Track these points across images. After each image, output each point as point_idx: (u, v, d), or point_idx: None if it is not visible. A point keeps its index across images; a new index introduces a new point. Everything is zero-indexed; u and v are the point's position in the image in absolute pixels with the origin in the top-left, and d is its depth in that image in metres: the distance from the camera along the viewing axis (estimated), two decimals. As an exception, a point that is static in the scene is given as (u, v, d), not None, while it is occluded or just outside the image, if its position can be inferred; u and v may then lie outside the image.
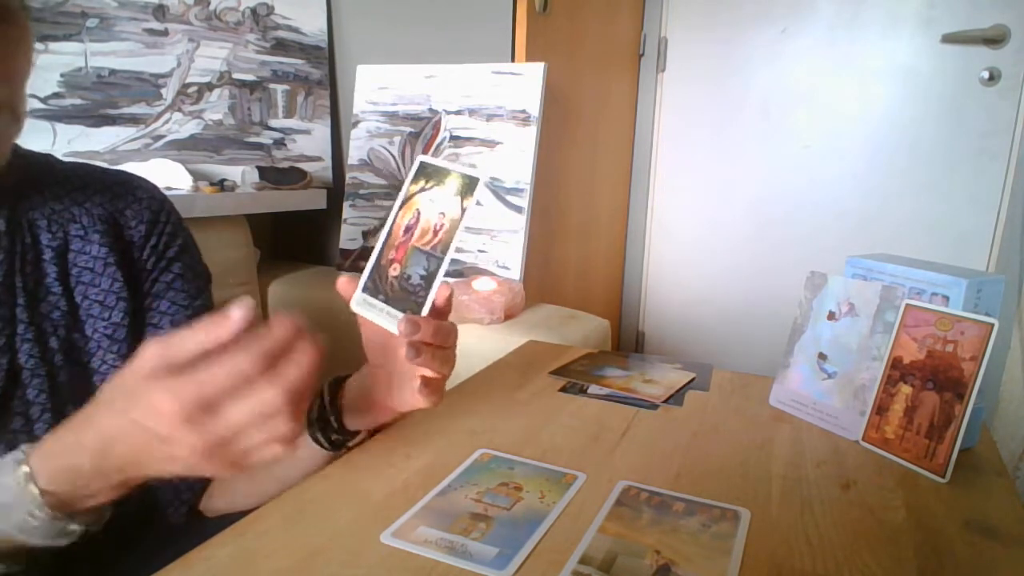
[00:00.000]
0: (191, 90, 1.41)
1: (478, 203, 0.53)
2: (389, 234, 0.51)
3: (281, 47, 1.54)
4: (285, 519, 0.50)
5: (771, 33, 1.91)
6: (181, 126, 1.40)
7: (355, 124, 1.55)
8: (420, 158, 0.51)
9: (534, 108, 1.34)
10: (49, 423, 0.57)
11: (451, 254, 0.47)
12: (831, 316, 0.71)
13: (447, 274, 0.47)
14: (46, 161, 0.64)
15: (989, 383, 1.26)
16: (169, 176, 1.30)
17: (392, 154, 1.50)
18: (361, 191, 1.54)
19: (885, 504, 0.54)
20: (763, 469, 0.60)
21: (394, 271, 0.50)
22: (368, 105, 1.54)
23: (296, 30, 1.57)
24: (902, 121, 1.79)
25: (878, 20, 1.77)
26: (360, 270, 0.52)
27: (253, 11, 1.49)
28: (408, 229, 0.50)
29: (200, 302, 0.69)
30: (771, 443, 0.66)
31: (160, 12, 1.35)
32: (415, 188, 0.50)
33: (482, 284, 1.24)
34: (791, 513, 0.53)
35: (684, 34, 2.05)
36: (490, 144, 1.38)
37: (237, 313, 0.40)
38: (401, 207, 0.51)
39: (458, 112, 1.42)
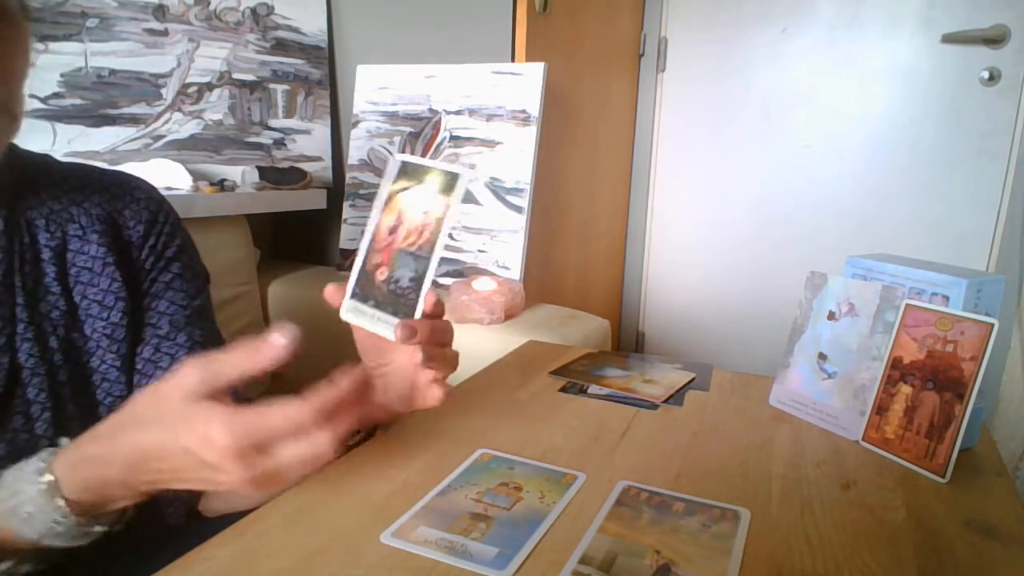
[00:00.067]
0: (191, 90, 1.41)
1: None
2: (373, 238, 0.49)
3: (281, 47, 1.54)
4: (285, 519, 0.50)
5: (771, 33, 1.91)
6: (181, 126, 1.40)
7: (355, 124, 1.55)
8: (399, 157, 0.49)
9: (534, 108, 1.34)
10: (49, 422, 0.57)
11: (439, 253, 0.46)
12: (831, 316, 0.71)
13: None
14: (44, 161, 0.64)
15: (989, 383, 1.26)
16: (169, 176, 1.30)
17: (392, 154, 1.50)
18: (361, 191, 1.54)
19: (885, 504, 0.54)
20: (763, 469, 0.60)
21: (381, 275, 0.48)
22: (368, 105, 1.54)
23: (296, 30, 1.56)
24: (902, 121, 1.79)
25: (878, 20, 1.77)
26: None
27: (253, 11, 1.49)
28: (392, 231, 0.48)
29: (199, 302, 0.69)
30: (771, 443, 0.66)
31: (160, 12, 1.35)
32: (395, 188, 0.48)
33: (482, 284, 1.24)
34: (791, 513, 0.53)
35: (684, 34, 2.05)
36: (490, 144, 1.38)
37: (278, 339, 0.41)
38: (382, 209, 0.49)
39: (458, 112, 1.42)
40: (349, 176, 1.56)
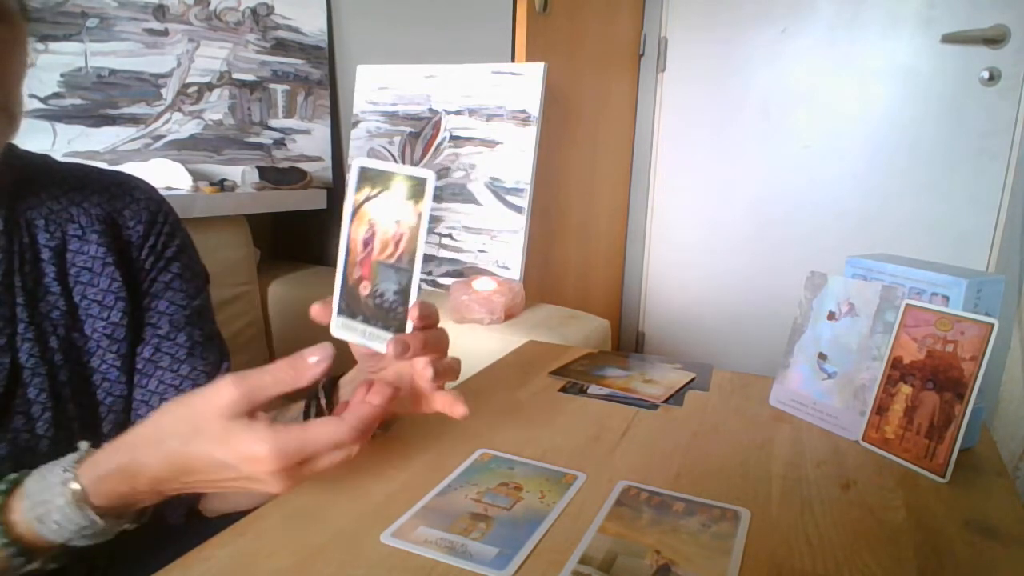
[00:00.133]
0: (191, 90, 1.41)
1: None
2: (348, 251, 0.47)
3: (281, 47, 1.54)
4: (285, 519, 0.50)
5: (771, 33, 1.91)
6: (181, 126, 1.40)
7: (355, 124, 1.55)
8: (358, 161, 0.46)
9: (534, 108, 1.34)
10: (50, 422, 0.57)
11: (419, 262, 0.44)
12: (831, 316, 0.71)
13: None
14: (43, 161, 0.64)
15: (989, 383, 1.26)
16: (169, 176, 1.30)
17: (392, 154, 1.50)
18: (361, 191, 1.54)
19: (885, 504, 0.54)
20: (763, 469, 0.60)
21: (365, 290, 0.46)
22: (368, 105, 1.54)
23: (296, 30, 1.57)
24: (902, 121, 1.79)
25: (878, 20, 1.77)
26: None
27: (253, 11, 1.49)
28: (366, 243, 0.46)
29: (198, 302, 0.69)
30: (771, 443, 0.66)
31: (160, 12, 1.35)
32: (360, 197, 0.46)
33: (482, 284, 1.24)
34: (791, 513, 0.53)
35: (684, 34, 2.05)
36: (490, 144, 1.38)
37: (314, 358, 0.43)
38: (352, 220, 0.46)
39: (458, 112, 1.42)
40: (350, 176, 1.56)
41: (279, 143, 1.57)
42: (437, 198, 1.43)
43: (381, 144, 1.52)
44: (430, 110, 1.46)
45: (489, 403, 0.74)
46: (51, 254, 0.59)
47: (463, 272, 1.39)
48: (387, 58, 1.55)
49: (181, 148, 1.41)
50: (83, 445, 0.47)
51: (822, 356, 0.71)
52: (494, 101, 1.38)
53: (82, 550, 0.47)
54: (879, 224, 1.85)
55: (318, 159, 1.64)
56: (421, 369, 0.47)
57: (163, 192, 0.70)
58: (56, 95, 1.24)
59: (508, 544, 0.47)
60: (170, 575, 0.44)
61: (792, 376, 0.74)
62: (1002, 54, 1.65)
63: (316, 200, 1.55)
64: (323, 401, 0.60)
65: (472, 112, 1.41)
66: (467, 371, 0.81)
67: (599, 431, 0.67)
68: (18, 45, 0.52)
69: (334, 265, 0.48)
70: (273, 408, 0.45)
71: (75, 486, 0.44)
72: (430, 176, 0.43)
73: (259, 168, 1.44)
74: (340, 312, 0.48)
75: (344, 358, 0.60)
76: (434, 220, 1.43)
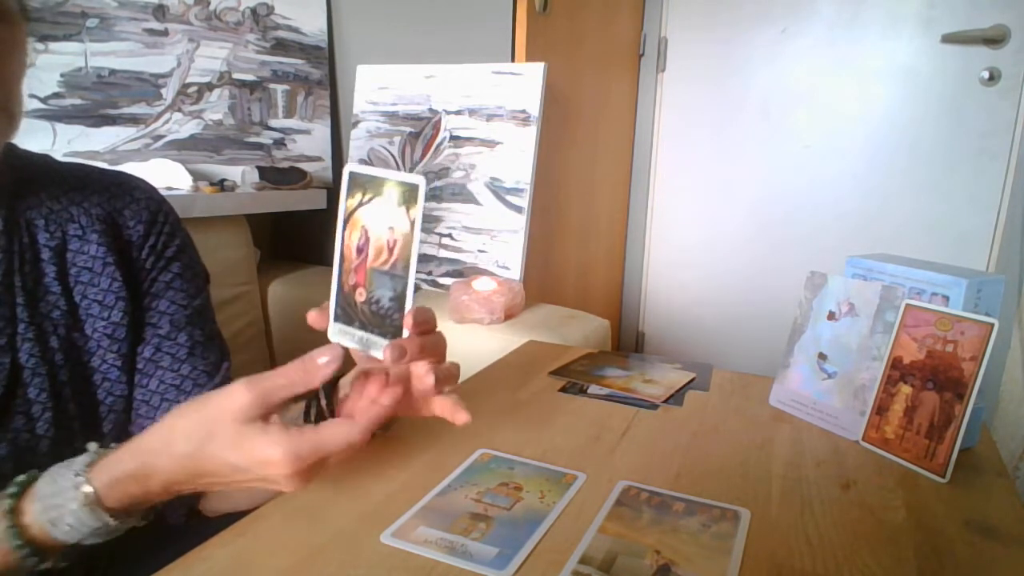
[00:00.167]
0: (191, 90, 1.41)
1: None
2: (342, 257, 0.47)
3: (281, 47, 1.54)
4: (285, 519, 0.50)
5: (771, 33, 1.91)
6: (181, 126, 1.40)
7: (355, 124, 1.55)
8: (349, 167, 0.46)
9: (534, 108, 1.34)
10: (50, 422, 0.57)
11: (413, 268, 0.44)
12: (831, 316, 0.71)
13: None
14: (43, 161, 0.64)
15: (989, 383, 1.26)
16: (169, 176, 1.30)
17: (392, 154, 1.50)
18: (361, 191, 1.54)
19: (885, 504, 0.54)
20: (763, 469, 0.60)
21: (360, 296, 0.46)
22: (368, 105, 1.54)
23: (296, 30, 1.57)
24: (902, 121, 1.79)
25: (878, 20, 1.77)
26: None
27: (253, 11, 1.49)
28: (360, 250, 0.46)
29: (199, 302, 0.69)
30: (771, 443, 0.66)
31: (160, 12, 1.35)
32: (352, 203, 0.46)
33: (482, 284, 1.24)
34: (791, 513, 0.53)
35: (684, 34, 2.05)
36: (490, 144, 1.38)
37: (323, 359, 0.44)
38: (344, 226, 0.46)
39: (458, 112, 1.42)
40: (349, 176, 1.56)
41: (279, 143, 1.57)
42: (437, 198, 1.43)
43: (381, 144, 1.52)
44: (430, 110, 1.46)
45: (489, 403, 0.74)
46: (51, 254, 0.59)
47: (463, 272, 1.39)
48: (387, 58, 1.55)
49: (181, 148, 1.41)
50: (92, 446, 0.48)
51: (822, 356, 0.71)
52: (494, 101, 1.38)
53: (89, 548, 0.47)
54: (879, 224, 1.85)
55: (318, 159, 1.64)
56: (422, 376, 0.47)
57: (163, 192, 0.70)
58: (56, 95, 1.24)
59: (508, 544, 0.47)
60: (170, 575, 0.44)
61: (792, 376, 0.74)
62: (1002, 54, 1.65)
63: (316, 200, 1.55)
64: (323, 402, 0.60)
65: (472, 112, 1.41)
66: (467, 371, 0.81)
67: (599, 431, 0.67)
68: (18, 45, 0.52)
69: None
70: (283, 409, 0.46)
71: (88, 490, 0.44)
72: (421, 182, 0.43)
73: (259, 168, 1.44)
74: (337, 319, 0.48)
75: (344, 358, 0.60)
76: (434, 220, 1.43)
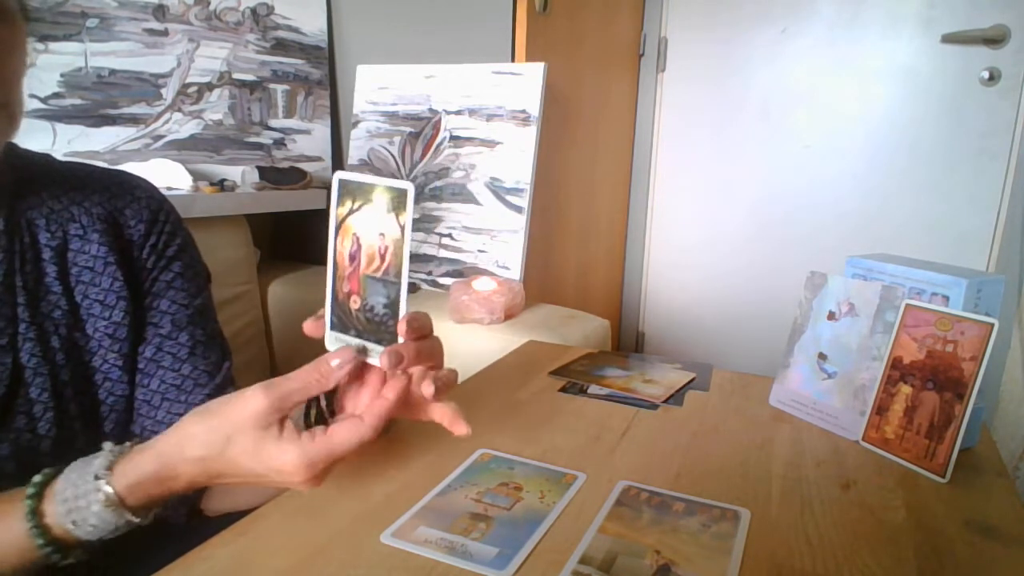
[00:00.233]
0: (191, 90, 1.41)
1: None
2: (335, 265, 0.47)
3: (281, 47, 1.54)
4: (285, 519, 0.50)
5: (771, 33, 1.91)
6: (181, 126, 1.40)
7: (355, 124, 1.55)
8: (338, 175, 0.46)
9: (534, 108, 1.34)
10: (52, 422, 0.57)
11: (406, 275, 0.44)
12: (831, 316, 0.71)
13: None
14: (44, 161, 0.64)
15: (989, 383, 1.26)
16: (169, 176, 1.30)
17: (392, 154, 1.50)
18: (361, 191, 1.54)
19: (885, 504, 0.54)
20: (763, 469, 0.60)
21: (355, 304, 0.47)
22: (368, 105, 1.54)
23: (296, 30, 1.57)
24: (902, 121, 1.79)
25: (878, 20, 1.77)
26: None
27: (253, 11, 1.49)
28: (353, 257, 0.46)
29: (200, 301, 0.69)
30: (771, 443, 0.66)
31: (160, 12, 1.35)
32: (343, 211, 0.46)
33: (482, 284, 1.24)
34: (791, 513, 0.53)
35: (684, 34, 2.05)
36: (490, 144, 1.38)
37: (336, 361, 0.45)
38: (336, 234, 0.46)
39: (458, 112, 1.42)
40: (349, 176, 1.56)
41: (279, 143, 1.57)
42: (437, 198, 1.43)
43: (381, 144, 1.52)
44: (430, 110, 1.46)
45: (489, 403, 0.74)
46: (52, 254, 0.59)
47: (463, 272, 1.39)
48: (387, 58, 1.55)
49: (181, 148, 1.41)
50: (107, 446, 0.48)
51: (822, 356, 0.71)
52: (494, 101, 1.38)
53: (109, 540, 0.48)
54: (879, 224, 1.85)
55: (318, 159, 1.64)
56: (422, 385, 0.47)
57: (163, 192, 0.70)
58: (56, 95, 1.24)
59: (508, 544, 0.47)
60: (171, 574, 0.44)
61: (792, 376, 0.74)
62: (1002, 54, 1.65)
63: (316, 200, 1.55)
64: (323, 403, 0.60)
65: (472, 112, 1.41)
66: (467, 371, 0.81)
67: (599, 431, 0.67)
68: (18, 44, 0.52)
69: (333, 267, 0.48)
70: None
71: (110, 491, 0.45)
72: (410, 188, 0.43)
73: (259, 168, 1.44)
74: (333, 327, 0.48)
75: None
76: (434, 220, 1.43)
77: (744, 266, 2.06)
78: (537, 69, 1.34)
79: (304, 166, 1.57)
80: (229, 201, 1.35)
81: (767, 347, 1.60)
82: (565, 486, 0.55)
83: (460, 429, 0.50)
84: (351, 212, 0.45)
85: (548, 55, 1.43)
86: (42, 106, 1.22)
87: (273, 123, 1.55)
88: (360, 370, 0.49)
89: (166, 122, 1.38)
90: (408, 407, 0.51)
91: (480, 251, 1.38)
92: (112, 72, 1.30)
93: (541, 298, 1.41)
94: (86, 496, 0.45)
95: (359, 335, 0.47)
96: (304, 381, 0.45)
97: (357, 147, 1.54)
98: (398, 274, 0.44)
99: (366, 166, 1.53)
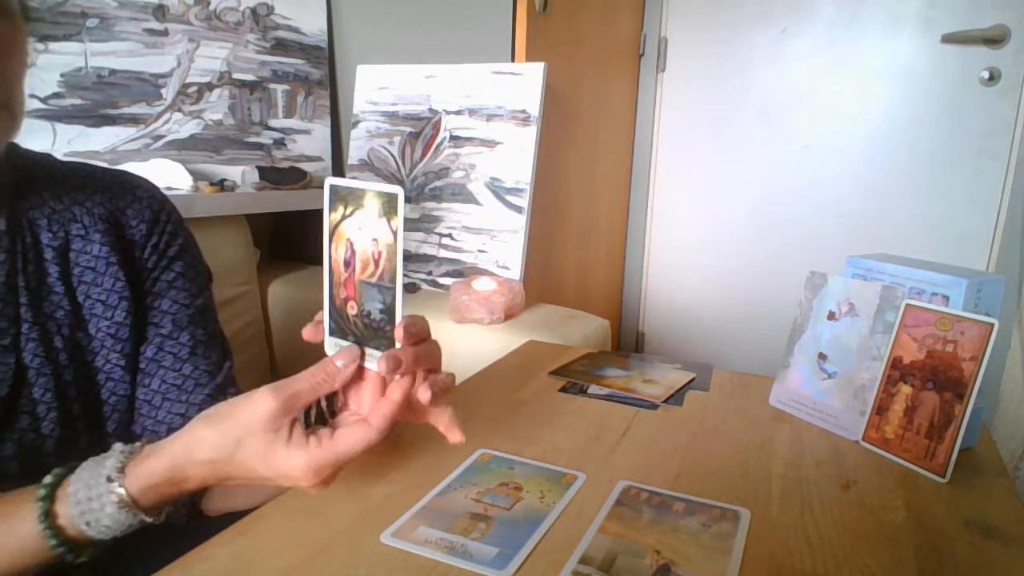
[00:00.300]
0: (191, 90, 1.41)
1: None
2: (331, 272, 0.47)
3: (281, 47, 1.54)
4: (285, 519, 0.50)
5: (771, 33, 1.91)
6: (181, 126, 1.40)
7: (355, 124, 1.55)
8: (329, 181, 0.46)
9: (534, 108, 1.34)
10: (55, 422, 0.57)
11: (400, 279, 0.44)
12: (831, 316, 0.71)
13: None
14: (46, 161, 0.64)
15: (989, 383, 1.26)
16: (169, 176, 1.30)
17: (392, 154, 1.50)
18: (361, 191, 1.54)
19: (885, 504, 0.54)
20: (763, 469, 0.60)
21: (352, 309, 0.47)
22: (368, 105, 1.54)
23: (296, 30, 1.57)
24: (902, 121, 1.79)
25: (878, 20, 1.77)
26: None
27: (253, 11, 1.49)
28: (347, 263, 0.46)
29: (201, 301, 0.69)
30: (771, 443, 0.66)
31: (160, 12, 1.35)
32: (335, 217, 0.46)
33: (482, 284, 1.24)
34: (791, 513, 0.53)
35: (684, 34, 2.05)
36: (490, 144, 1.38)
37: (341, 361, 0.46)
38: (330, 241, 0.47)
39: (458, 112, 1.42)
40: (349, 176, 1.56)
41: (279, 143, 1.57)
42: (437, 198, 1.43)
43: (381, 144, 1.52)
44: (430, 110, 1.46)
45: (489, 403, 0.74)
46: (54, 254, 0.59)
47: (463, 272, 1.39)
48: (387, 58, 1.55)
49: (181, 148, 1.41)
50: (118, 446, 0.48)
51: (822, 356, 0.71)
52: (494, 101, 1.38)
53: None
54: (879, 224, 1.85)
55: (318, 159, 1.64)
56: (419, 391, 0.48)
57: (163, 192, 0.70)
58: (56, 95, 1.24)
59: (508, 544, 0.47)
60: (171, 574, 0.44)
61: (792, 376, 0.74)
62: (1002, 54, 1.65)
63: (316, 200, 1.55)
64: (323, 403, 0.60)
65: (472, 112, 1.41)
66: (467, 371, 0.81)
67: (599, 431, 0.67)
68: (18, 44, 0.52)
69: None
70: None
71: (123, 493, 0.46)
72: (400, 192, 0.43)
73: (259, 168, 1.44)
74: (332, 333, 0.49)
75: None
76: (434, 220, 1.43)
77: (744, 266, 2.06)
78: (537, 69, 1.34)
79: (304, 166, 1.57)
80: (229, 201, 1.35)
81: (767, 347, 1.60)
82: (565, 486, 0.55)
83: (455, 437, 0.50)
84: (344, 218, 0.46)
85: (548, 55, 1.43)
86: (42, 106, 1.22)
87: (273, 123, 1.55)
88: (360, 368, 0.49)
89: (166, 122, 1.38)
90: (410, 410, 0.51)
91: (480, 251, 1.38)
92: (112, 72, 1.30)
93: (541, 298, 1.41)
94: (99, 498, 0.46)
95: (357, 340, 0.47)
96: (311, 382, 0.46)
97: (357, 147, 1.54)
98: (392, 279, 0.44)
99: (366, 166, 1.54)
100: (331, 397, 0.60)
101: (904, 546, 0.49)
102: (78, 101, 1.26)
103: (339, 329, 0.48)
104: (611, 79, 1.96)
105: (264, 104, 1.53)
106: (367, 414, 0.47)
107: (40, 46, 1.21)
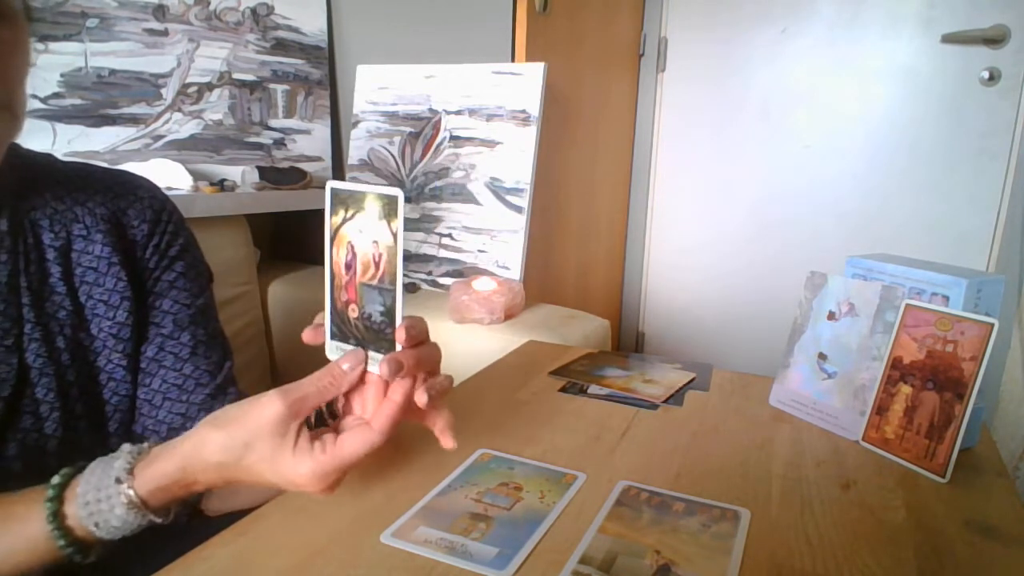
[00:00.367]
0: (191, 90, 1.41)
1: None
2: (332, 275, 0.47)
3: (281, 47, 1.54)
4: (285, 519, 0.50)
5: (771, 33, 1.91)
6: (181, 126, 1.40)
7: (355, 124, 1.55)
8: (330, 184, 0.46)
9: (534, 108, 1.34)
10: (58, 422, 0.57)
11: (400, 281, 0.44)
12: (831, 316, 0.71)
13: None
14: (47, 161, 0.64)
15: (989, 383, 1.26)
16: (169, 176, 1.30)
17: (392, 154, 1.50)
18: (361, 191, 1.54)
19: (885, 504, 0.54)
20: (763, 469, 0.60)
21: (353, 312, 0.47)
22: (368, 105, 1.54)
23: (296, 30, 1.57)
24: (902, 121, 1.79)
25: (878, 20, 1.77)
26: None
27: (253, 11, 1.49)
28: (348, 266, 0.46)
29: (202, 301, 0.69)
30: (771, 443, 0.66)
31: (160, 12, 1.35)
32: (336, 220, 0.46)
33: (482, 284, 1.24)
34: (791, 513, 0.53)
35: (684, 34, 2.05)
36: (490, 144, 1.38)
37: (346, 365, 0.47)
38: (332, 244, 0.47)
39: (458, 112, 1.42)
40: (349, 176, 1.56)
41: (279, 143, 1.57)
42: (437, 198, 1.43)
43: (381, 144, 1.52)
44: (430, 110, 1.46)
45: (489, 403, 0.74)
46: (56, 254, 0.59)
47: (463, 272, 1.39)
48: (387, 58, 1.55)
49: (181, 148, 1.41)
50: (126, 447, 0.48)
51: (822, 356, 0.71)
52: (494, 101, 1.38)
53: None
54: (879, 224, 1.85)
55: (318, 159, 1.64)
56: (415, 394, 0.48)
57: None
58: (56, 95, 1.24)
59: (508, 544, 0.47)
60: (171, 574, 0.44)
61: (792, 376, 0.74)
62: (1002, 54, 1.65)
63: (316, 200, 1.55)
64: (323, 406, 0.60)
65: (472, 112, 1.41)
66: (467, 371, 0.81)
67: (599, 431, 0.67)
68: (20, 45, 0.52)
69: (334, 265, 0.48)
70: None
71: (133, 495, 0.46)
72: (399, 194, 0.43)
73: (259, 168, 1.44)
74: (333, 337, 0.49)
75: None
76: (434, 220, 1.43)
77: (744, 266, 2.06)
78: (537, 69, 1.34)
79: (304, 166, 1.57)
80: (229, 201, 1.35)
81: (767, 347, 1.60)
82: (565, 486, 0.55)
83: (447, 443, 0.50)
84: (345, 221, 0.46)
85: (548, 55, 1.43)
86: (42, 106, 1.22)
87: (273, 123, 1.55)
88: (362, 371, 0.49)
89: (166, 122, 1.38)
90: (411, 410, 0.51)
91: (480, 251, 1.38)
92: (112, 72, 1.30)
93: (541, 298, 1.41)
94: (108, 500, 0.46)
95: (359, 344, 0.48)
96: (318, 386, 0.46)
97: (357, 147, 1.54)
98: (393, 281, 0.45)
99: (366, 166, 1.54)
100: (333, 400, 0.60)
101: (904, 546, 0.49)
102: (78, 101, 1.26)
103: (340, 333, 0.48)
104: (611, 79, 1.96)
105: (264, 104, 1.53)
106: (369, 417, 0.47)
107: (40, 46, 1.21)
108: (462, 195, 1.41)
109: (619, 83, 2.03)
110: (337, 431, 0.47)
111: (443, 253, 1.42)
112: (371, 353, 0.47)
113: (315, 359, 0.53)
